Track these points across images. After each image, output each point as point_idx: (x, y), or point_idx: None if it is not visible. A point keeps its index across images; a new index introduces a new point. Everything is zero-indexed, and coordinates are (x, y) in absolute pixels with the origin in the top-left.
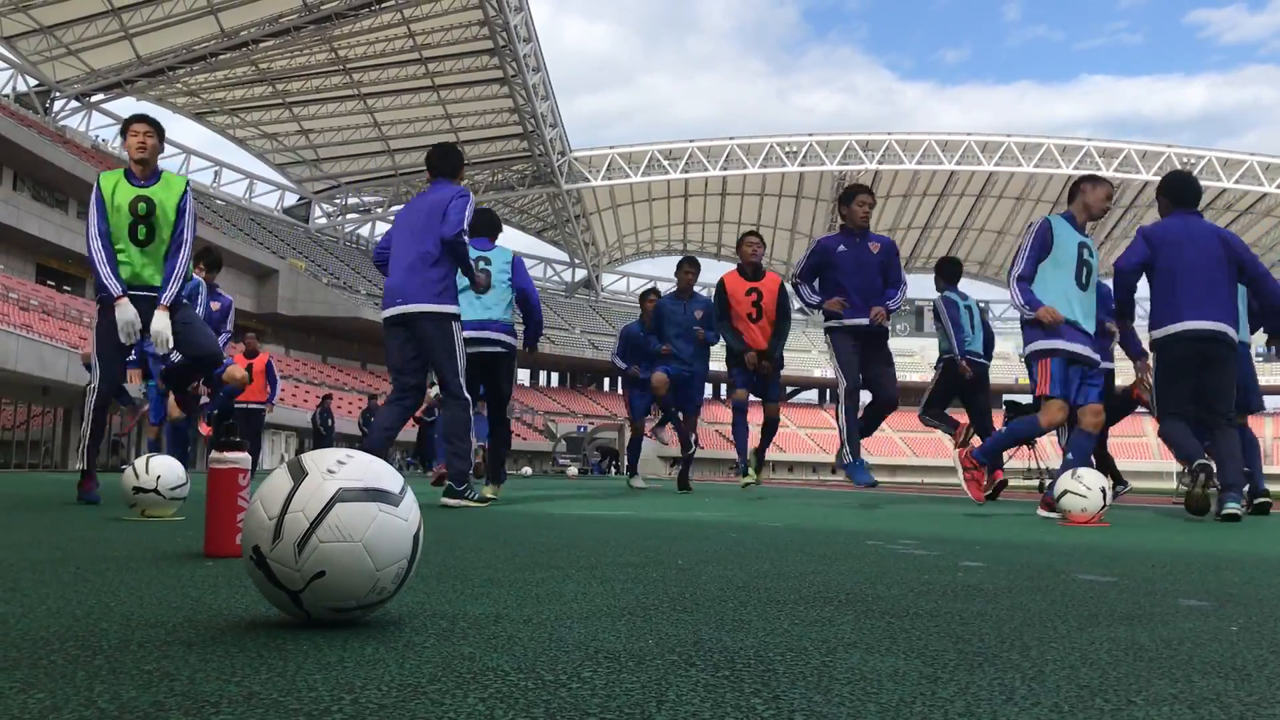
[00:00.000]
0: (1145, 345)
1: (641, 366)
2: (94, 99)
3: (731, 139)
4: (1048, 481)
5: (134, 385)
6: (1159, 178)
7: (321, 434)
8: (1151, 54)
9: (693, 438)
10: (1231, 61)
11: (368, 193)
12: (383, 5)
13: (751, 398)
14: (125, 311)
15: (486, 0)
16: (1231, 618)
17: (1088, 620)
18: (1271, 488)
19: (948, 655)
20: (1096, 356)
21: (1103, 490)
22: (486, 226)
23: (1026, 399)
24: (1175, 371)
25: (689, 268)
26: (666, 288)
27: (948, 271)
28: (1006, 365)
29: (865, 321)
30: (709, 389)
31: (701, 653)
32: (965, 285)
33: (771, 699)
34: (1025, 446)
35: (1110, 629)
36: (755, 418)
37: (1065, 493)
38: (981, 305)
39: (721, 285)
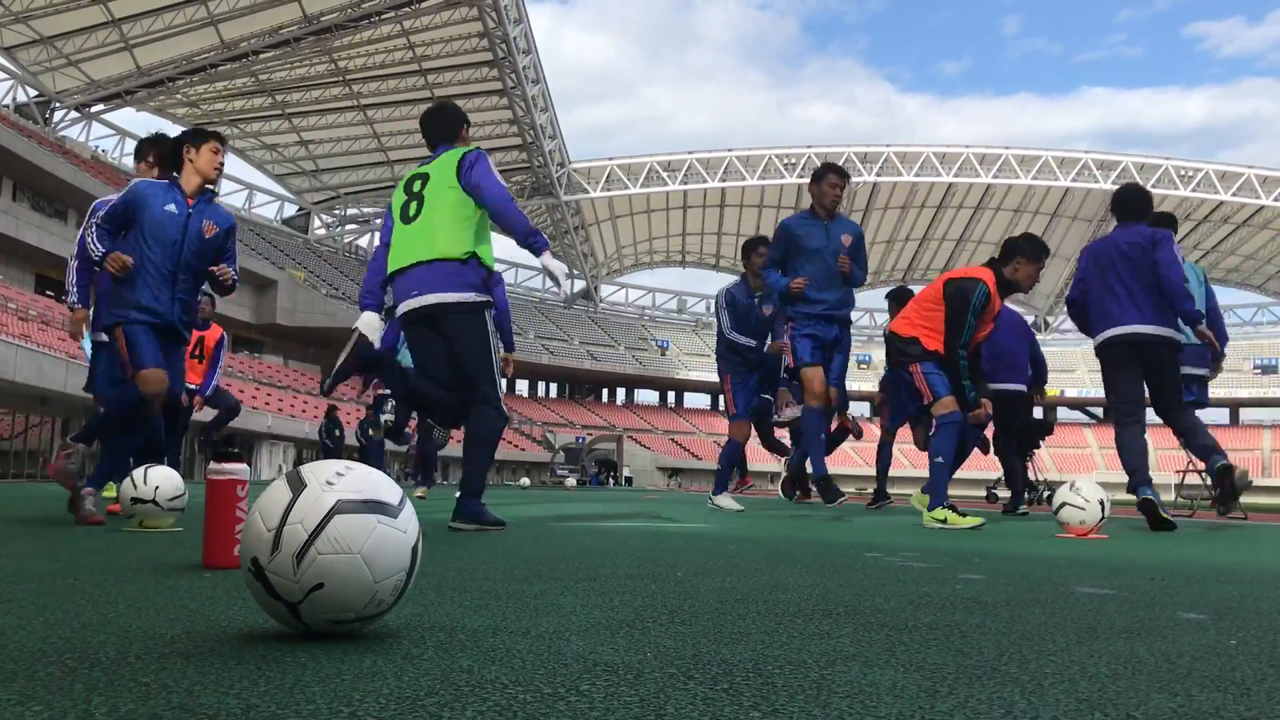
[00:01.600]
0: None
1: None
2: (94, 109)
3: (730, 151)
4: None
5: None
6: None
7: (329, 446)
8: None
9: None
10: (1230, 74)
11: (367, 203)
12: (383, 17)
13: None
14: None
15: (486, 12)
16: (1230, 631)
17: (1087, 633)
18: (1273, 500)
19: (947, 668)
20: None
21: (1101, 503)
22: None
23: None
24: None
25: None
26: (662, 299)
27: None
28: None
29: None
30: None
31: (700, 665)
32: None
33: (770, 712)
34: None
35: (1109, 642)
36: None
37: (1064, 505)
38: None
39: (987, 295)
